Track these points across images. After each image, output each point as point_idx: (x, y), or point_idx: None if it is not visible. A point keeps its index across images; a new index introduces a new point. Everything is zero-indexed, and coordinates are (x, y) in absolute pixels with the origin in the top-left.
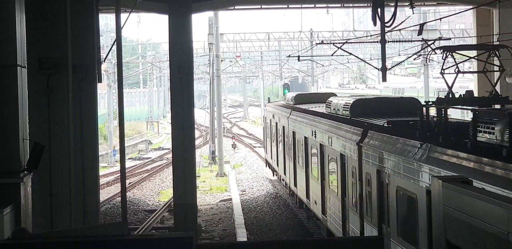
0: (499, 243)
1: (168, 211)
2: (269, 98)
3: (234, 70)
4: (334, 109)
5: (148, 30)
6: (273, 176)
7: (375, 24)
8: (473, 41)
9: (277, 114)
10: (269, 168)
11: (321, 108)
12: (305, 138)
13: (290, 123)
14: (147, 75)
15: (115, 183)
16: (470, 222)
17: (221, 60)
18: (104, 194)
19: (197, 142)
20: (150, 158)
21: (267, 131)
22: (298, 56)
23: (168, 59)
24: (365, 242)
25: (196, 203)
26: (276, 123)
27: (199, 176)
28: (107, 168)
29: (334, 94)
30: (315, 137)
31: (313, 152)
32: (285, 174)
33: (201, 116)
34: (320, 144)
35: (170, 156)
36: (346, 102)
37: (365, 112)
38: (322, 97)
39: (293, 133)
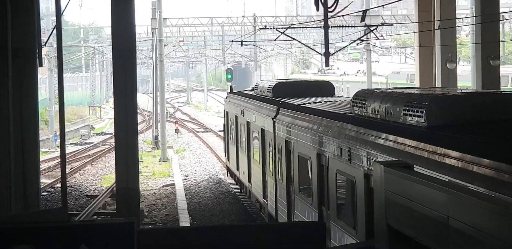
0: (440, 227)
1: (111, 196)
2: (231, 86)
3: (177, 55)
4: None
5: (90, 14)
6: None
7: (317, 9)
8: (415, 27)
9: (250, 111)
10: (233, 179)
11: (337, 108)
12: (311, 158)
13: (279, 128)
14: (90, 60)
15: (56, 168)
16: (411, 206)
17: (164, 45)
18: (45, 180)
19: (140, 127)
20: (93, 143)
21: (231, 131)
22: (241, 41)
23: (111, 43)
24: (307, 226)
25: (138, 188)
26: (248, 123)
27: (142, 161)
28: (48, 153)
29: (329, 84)
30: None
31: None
32: (276, 209)
33: (144, 101)
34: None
35: (112, 141)
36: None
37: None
38: (314, 88)
39: (287, 143)
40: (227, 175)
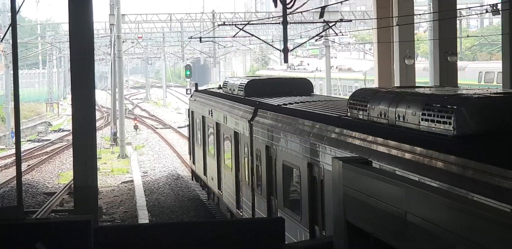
0: (397, 223)
1: (68, 193)
2: (196, 84)
3: (136, 51)
4: (230, 89)
5: (48, 10)
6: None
7: (275, 5)
8: (373, 23)
9: (220, 112)
10: (199, 183)
11: (326, 109)
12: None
13: (257, 132)
14: (47, 56)
15: (13, 165)
16: (369, 202)
17: (123, 41)
18: (1, 177)
19: (98, 124)
20: (50, 139)
21: (197, 132)
22: (200, 38)
23: (68, 40)
24: (266, 222)
25: (96, 185)
26: (217, 124)
27: (100, 158)
28: (5, 150)
29: (307, 81)
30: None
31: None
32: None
33: (102, 97)
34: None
35: (70, 137)
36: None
37: (258, 92)
38: (291, 86)
39: (268, 148)
40: (192, 179)
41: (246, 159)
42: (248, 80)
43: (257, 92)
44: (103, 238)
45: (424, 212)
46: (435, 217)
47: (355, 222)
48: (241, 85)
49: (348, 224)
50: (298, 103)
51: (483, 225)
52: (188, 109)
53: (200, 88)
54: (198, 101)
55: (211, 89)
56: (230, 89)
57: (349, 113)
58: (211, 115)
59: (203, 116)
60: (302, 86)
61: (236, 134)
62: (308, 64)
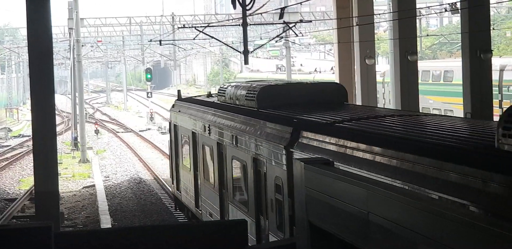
0: (360, 223)
1: (30, 199)
2: (179, 91)
3: (95, 55)
4: (231, 98)
5: (5, 15)
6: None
7: (234, 7)
8: (333, 23)
9: (225, 130)
10: (185, 214)
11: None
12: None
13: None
14: (5, 61)
15: None
16: (332, 203)
17: (82, 45)
18: None
19: (58, 129)
20: (10, 145)
21: (184, 153)
22: (160, 41)
23: (27, 44)
24: (229, 225)
25: (58, 191)
26: (221, 146)
27: (61, 163)
28: None
29: (339, 87)
30: None
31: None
32: None
33: (62, 102)
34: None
35: (30, 143)
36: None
37: (274, 103)
38: (319, 93)
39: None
40: (176, 209)
41: (274, 202)
42: (260, 87)
43: (274, 103)
44: (64, 244)
45: (386, 212)
46: (397, 217)
47: (318, 223)
48: (251, 94)
49: (311, 225)
50: (357, 120)
51: (444, 223)
52: (170, 122)
53: (165, 91)
54: (185, 113)
55: (198, 98)
56: (230, 99)
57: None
58: (208, 133)
59: (194, 133)
60: (333, 93)
61: (257, 162)
62: (301, 65)
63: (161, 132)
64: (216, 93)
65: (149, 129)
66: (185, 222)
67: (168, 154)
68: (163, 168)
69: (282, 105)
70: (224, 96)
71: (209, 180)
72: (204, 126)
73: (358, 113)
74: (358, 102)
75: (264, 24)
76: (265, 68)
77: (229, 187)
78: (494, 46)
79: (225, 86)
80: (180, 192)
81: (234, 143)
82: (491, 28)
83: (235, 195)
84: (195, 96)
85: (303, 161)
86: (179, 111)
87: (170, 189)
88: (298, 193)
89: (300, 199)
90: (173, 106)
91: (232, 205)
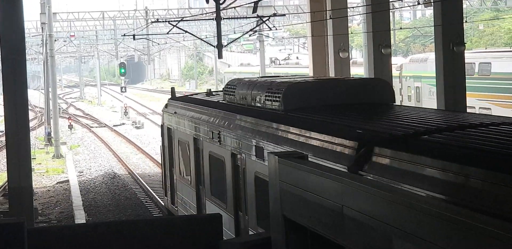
0: (334, 216)
1: (3, 195)
2: (173, 88)
3: (69, 50)
4: (244, 98)
5: None
6: None
7: (207, 1)
8: (307, 17)
9: (243, 140)
10: None
11: None
12: None
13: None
14: None
15: None
16: (306, 197)
17: (55, 40)
18: None
19: (32, 124)
20: None
21: (183, 162)
22: (134, 35)
23: None
24: (204, 219)
25: (31, 186)
26: (234, 157)
27: (35, 158)
28: None
29: (383, 83)
30: None
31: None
32: None
33: (35, 97)
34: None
35: (3, 138)
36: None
37: (304, 104)
38: (357, 91)
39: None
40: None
41: None
42: (287, 85)
43: (304, 104)
44: (37, 240)
45: (360, 205)
46: (371, 210)
47: (293, 216)
48: (274, 94)
49: (285, 219)
50: (447, 130)
51: (418, 216)
52: (162, 125)
53: (139, 86)
54: (184, 116)
55: (196, 97)
56: (242, 98)
57: None
58: (218, 141)
59: (196, 140)
60: (378, 92)
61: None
62: (298, 58)
63: (136, 127)
64: (219, 91)
65: (123, 124)
66: (159, 216)
67: (160, 162)
68: (137, 163)
69: (315, 107)
70: (233, 95)
71: (221, 199)
72: (212, 132)
73: (437, 121)
74: None
75: (237, 18)
76: (257, 61)
77: (251, 211)
78: (467, 39)
79: (233, 84)
80: (176, 207)
81: (258, 156)
82: (464, 21)
83: (243, 208)
84: (191, 95)
85: (277, 155)
86: (175, 113)
87: (162, 202)
88: (273, 187)
89: (274, 193)
90: (166, 106)
91: (219, 206)
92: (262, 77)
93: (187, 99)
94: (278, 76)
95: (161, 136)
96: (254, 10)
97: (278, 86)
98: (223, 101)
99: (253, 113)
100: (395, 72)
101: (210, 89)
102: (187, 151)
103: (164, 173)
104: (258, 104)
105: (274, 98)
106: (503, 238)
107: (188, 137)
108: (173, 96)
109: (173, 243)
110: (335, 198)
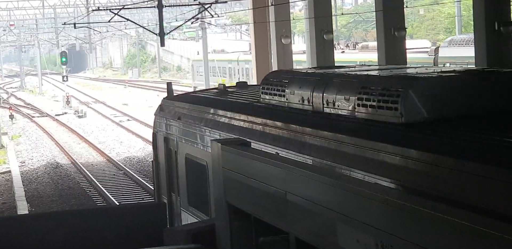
0: (278, 202)
1: None
2: (169, 84)
3: (8, 39)
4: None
5: None
6: None
7: None
8: (249, 3)
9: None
10: None
11: None
12: None
13: None
14: None
15: None
16: (250, 183)
17: None
18: None
19: None
20: None
21: (187, 183)
22: (75, 24)
23: None
24: (148, 208)
25: None
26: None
27: None
28: None
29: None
30: None
31: None
32: None
33: None
34: None
35: None
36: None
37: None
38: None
39: None
40: None
41: None
42: (409, 81)
43: (442, 112)
44: None
45: (304, 191)
46: (314, 196)
47: (236, 203)
48: (380, 95)
49: (229, 205)
50: None
51: (362, 202)
52: (155, 133)
53: (81, 74)
54: (196, 125)
55: (207, 95)
56: (305, 101)
57: None
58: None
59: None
60: None
61: None
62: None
63: (78, 116)
64: (232, 87)
65: (65, 113)
66: (103, 206)
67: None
68: (80, 152)
69: (459, 118)
70: (283, 95)
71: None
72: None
73: None
74: None
75: (179, 5)
76: (232, 48)
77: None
78: (408, 24)
79: (280, 78)
80: None
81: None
82: (405, 6)
83: None
84: (197, 93)
85: (220, 142)
86: (179, 119)
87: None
88: (216, 174)
89: (218, 180)
90: (161, 109)
91: None
92: (332, 67)
93: (196, 101)
94: (362, 65)
95: (153, 148)
96: None
97: (387, 82)
98: (260, 104)
99: (334, 127)
100: (426, 58)
101: (224, 85)
102: (206, 173)
103: (157, 193)
104: (342, 112)
105: (381, 104)
106: (441, 219)
107: (208, 156)
108: (170, 96)
109: (118, 231)
110: (279, 184)
